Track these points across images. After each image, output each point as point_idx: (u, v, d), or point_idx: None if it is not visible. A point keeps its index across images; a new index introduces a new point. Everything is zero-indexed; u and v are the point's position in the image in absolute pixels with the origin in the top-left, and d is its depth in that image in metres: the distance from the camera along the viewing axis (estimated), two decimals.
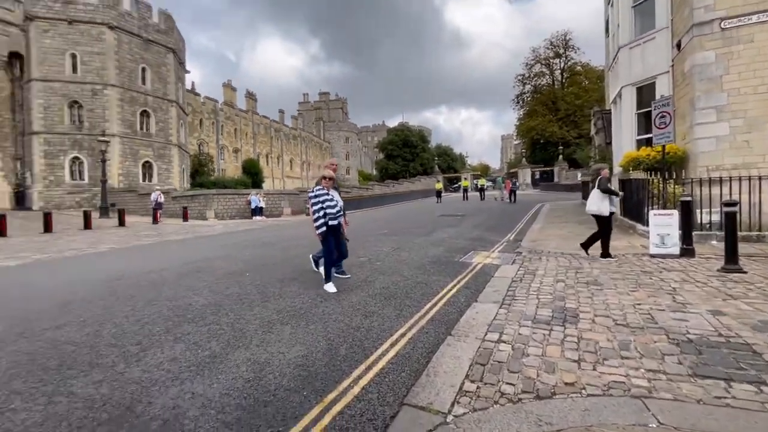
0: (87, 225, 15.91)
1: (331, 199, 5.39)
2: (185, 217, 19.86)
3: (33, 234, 14.50)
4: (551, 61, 50.56)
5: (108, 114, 26.19)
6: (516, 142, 78.78)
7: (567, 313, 4.21)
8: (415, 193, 40.62)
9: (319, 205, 5.31)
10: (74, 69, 25.54)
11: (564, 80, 50.44)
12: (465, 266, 6.92)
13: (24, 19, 24.96)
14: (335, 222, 5.38)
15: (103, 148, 21.18)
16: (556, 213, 16.05)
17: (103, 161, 21.31)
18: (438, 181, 32.67)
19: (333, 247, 5.47)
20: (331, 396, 2.82)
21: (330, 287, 5.40)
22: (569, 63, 50.00)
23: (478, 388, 2.82)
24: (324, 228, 5.29)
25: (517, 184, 25.21)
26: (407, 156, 59.51)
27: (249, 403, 2.75)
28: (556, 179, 43.50)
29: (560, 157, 43.97)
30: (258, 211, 21.22)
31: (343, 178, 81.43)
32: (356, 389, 2.91)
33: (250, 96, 56.81)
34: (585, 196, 20.26)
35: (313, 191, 5.44)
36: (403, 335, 3.88)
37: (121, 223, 17.39)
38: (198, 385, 2.98)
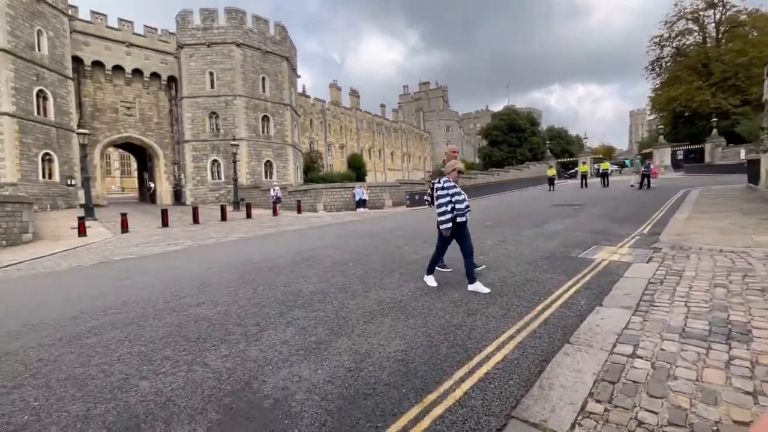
0: (223, 217, 18.73)
1: (460, 193, 4.92)
2: (299, 210, 21.91)
3: (186, 225, 17.65)
4: (701, 14, 40.66)
5: (237, 121, 30.35)
6: (650, 117, 66.88)
7: (732, 328, 3.29)
8: (524, 181, 37.76)
9: (447, 198, 4.82)
10: (212, 85, 30.17)
11: (720, 36, 40.35)
12: (584, 263, 6.05)
13: (177, 48, 30.34)
14: (463, 218, 4.94)
15: (234, 151, 24.62)
16: (710, 200, 13.10)
17: (234, 162, 24.77)
18: (550, 167, 29.71)
19: (447, 246, 5.21)
20: (431, 397, 2.67)
21: (431, 281, 5.23)
22: (728, 12, 39.74)
23: (606, 410, 2.35)
24: (450, 224, 4.82)
25: (651, 166, 21.34)
26: (513, 141, 55.50)
27: (350, 393, 2.76)
28: (707, 159, 35.52)
29: (714, 131, 35.57)
30: (361, 203, 22.22)
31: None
32: (458, 393, 2.69)
33: (354, 94, 59.77)
34: (752, 178, 16.17)
35: (440, 182, 4.97)
36: (510, 338, 3.50)
37: (248, 215, 20.02)
38: (305, 369, 3.12)
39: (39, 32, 23.09)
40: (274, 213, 21.01)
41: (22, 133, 21.59)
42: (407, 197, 23.17)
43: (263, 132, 31.98)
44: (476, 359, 3.14)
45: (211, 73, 30.14)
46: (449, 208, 4.82)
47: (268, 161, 32.30)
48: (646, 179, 20.19)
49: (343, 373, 3.03)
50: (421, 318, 4.08)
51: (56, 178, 23.86)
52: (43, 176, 23.00)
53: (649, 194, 17.99)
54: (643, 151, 43.51)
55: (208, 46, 29.86)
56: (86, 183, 19.24)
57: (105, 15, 27.77)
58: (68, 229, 15.97)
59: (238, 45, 30.06)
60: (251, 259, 8.08)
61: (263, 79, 31.82)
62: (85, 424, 2.55)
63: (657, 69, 44.60)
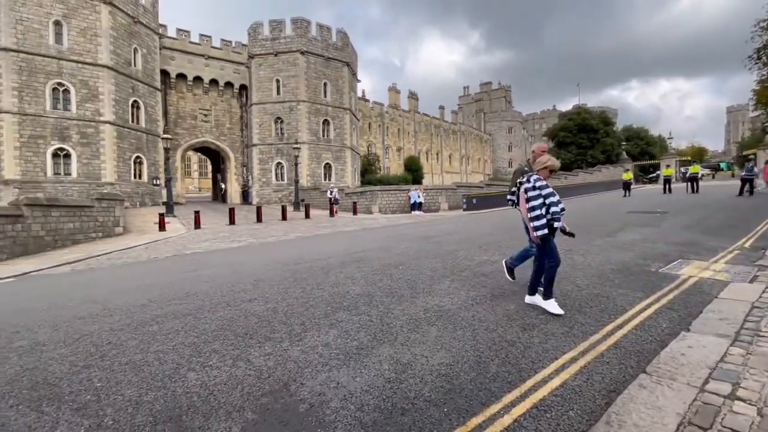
0: (283, 217, 19.65)
1: (554, 194, 4.21)
2: (355, 211, 22.27)
3: (250, 223, 18.77)
4: None
5: (299, 125, 31.80)
6: (754, 114, 58.07)
7: None
8: (595, 185, 34.86)
9: (540, 200, 4.13)
10: (278, 91, 31.96)
11: None
12: (666, 279, 5.28)
13: (248, 58, 32.64)
14: (560, 223, 4.20)
15: (296, 154, 25.77)
16: None
17: (296, 165, 25.92)
18: (626, 171, 26.96)
19: (557, 252, 4.23)
20: (475, 421, 2.40)
21: (553, 306, 4.15)
22: None
23: None
24: (546, 230, 4.09)
25: (755, 169, 18.46)
26: (584, 143, 51.38)
27: (387, 406, 2.59)
28: None
29: None
30: (417, 206, 21.98)
31: (505, 171, 77.22)
32: (507, 419, 2.40)
33: (412, 96, 59.77)
34: None
35: (529, 181, 4.27)
36: (572, 360, 3.09)
37: (307, 215, 20.79)
38: (343, 375, 3.01)
39: (135, 50, 26.20)
40: (331, 214, 21.58)
41: (119, 139, 24.61)
42: (464, 201, 22.49)
43: (323, 135, 33.15)
44: (530, 382, 2.80)
45: (278, 81, 31.94)
46: (543, 211, 4.12)
47: (327, 164, 33.39)
48: (747, 185, 17.50)
49: (382, 384, 2.86)
50: (470, 330, 3.78)
51: (144, 178, 26.83)
52: (134, 177, 25.99)
53: (751, 201, 15.56)
54: (745, 153, 37.93)
55: (276, 55, 31.70)
56: (168, 183, 21.33)
57: (188, 31, 30.76)
58: (152, 224, 17.77)
59: (302, 53, 31.52)
60: (304, 257, 8.26)
61: (325, 84, 33.00)
62: (135, 409, 2.66)
63: (764, 57, 38.48)
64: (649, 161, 55.69)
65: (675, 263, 6.09)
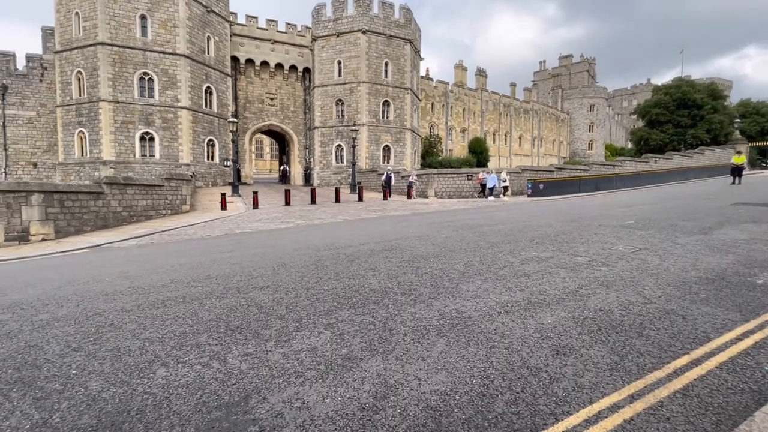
0: (337, 199, 19.72)
1: None
2: (409, 195, 21.62)
3: (304, 204, 19.14)
4: None
5: (359, 107, 31.59)
6: None
7: None
8: (694, 170, 29.98)
9: None
10: (339, 73, 31.95)
11: None
12: None
13: (311, 41, 32.98)
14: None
15: (353, 136, 25.66)
16: None
17: (353, 147, 25.85)
18: (738, 153, 22.52)
19: None
20: None
21: None
22: None
23: None
24: None
25: None
26: (683, 121, 43.97)
27: None
28: None
29: None
30: (492, 191, 20.47)
31: (584, 154, 70.23)
32: None
33: (480, 73, 56.28)
34: None
35: None
36: (613, 409, 2.26)
37: (360, 198, 20.65)
38: (314, 393, 2.53)
39: (208, 38, 27.80)
40: (384, 197, 21.19)
41: (194, 123, 26.58)
42: (529, 186, 20.61)
43: (383, 117, 32.62)
44: None
45: (339, 62, 31.89)
46: None
47: (386, 146, 32.94)
48: None
49: (354, 411, 2.33)
50: (486, 347, 3.06)
51: (216, 159, 28.83)
52: (207, 158, 28.02)
53: None
54: None
55: (338, 36, 31.57)
56: (234, 164, 22.56)
57: (256, 17, 31.82)
58: (217, 203, 18.95)
59: (363, 32, 30.96)
60: (337, 243, 7.93)
61: (386, 64, 32.22)
62: (87, 407, 2.46)
63: None
64: None
65: None
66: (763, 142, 45.62)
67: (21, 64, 27.28)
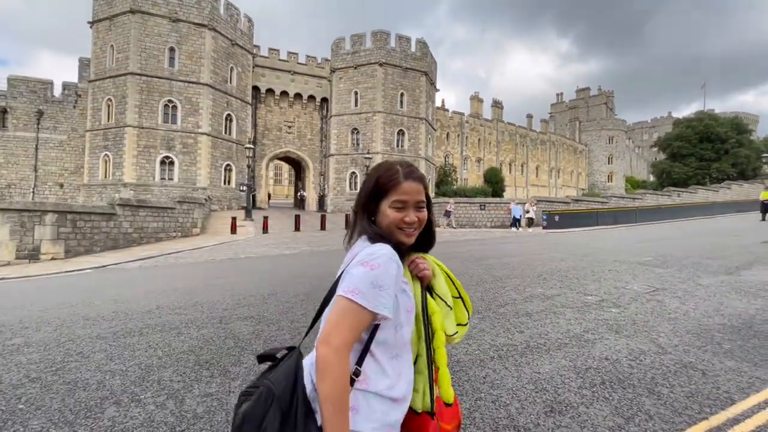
0: (347, 226, 19.60)
1: None
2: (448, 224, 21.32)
3: (314, 230, 19.09)
4: None
5: (375, 136, 32.07)
6: None
7: None
8: (720, 205, 28.80)
9: None
10: (356, 103, 32.74)
11: None
12: None
13: (330, 72, 34.15)
14: None
15: (367, 164, 25.89)
16: None
17: (368, 175, 26.02)
18: (767, 188, 21.55)
19: None
20: None
21: None
22: None
23: None
24: None
25: None
26: (707, 154, 42.83)
27: None
28: None
29: None
30: (518, 222, 19.90)
31: (603, 186, 68.95)
32: None
33: (497, 105, 56.86)
34: None
35: None
36: None
37: None
38: None
39: (231, 68, 29.13)
40: None
41: (213, 148, 27.41)
42: (544, 217, 20.07)
43: (397, 146, 32.96)
44: None
45: (356, 93, 32.74)
46: None
47: None
48: None
49: None
50: (470, 399, 2.71)
51: (233, 184, 29.43)
52: (224, 183, 28.65)
53: None
54: None
55: (355, 68, 32.60)
56: (248, 189, 22.93)
57: (278, 50, 33.34)
58: (229, 226, 19.11)
59: (380, 65, 31.90)
60: (337, 272, 7.68)
61: (401, 94, 32.89)
62: None
63: None
64: None
65: None
66: None
67: (57, 91, 29.06)
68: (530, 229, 19.60)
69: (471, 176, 49.17)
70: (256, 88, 32.43)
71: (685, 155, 44.41)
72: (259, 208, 31.09)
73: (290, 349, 1.08)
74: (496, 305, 4.97)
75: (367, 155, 26.21)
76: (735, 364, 3.20)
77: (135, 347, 3.76)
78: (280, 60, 33.41)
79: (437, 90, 38.22)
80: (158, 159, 25.74)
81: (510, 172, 55.21)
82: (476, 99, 53.85)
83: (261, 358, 1.09)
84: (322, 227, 19.17)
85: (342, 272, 1.06)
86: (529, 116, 62.49)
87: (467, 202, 22.65)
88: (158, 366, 3.33)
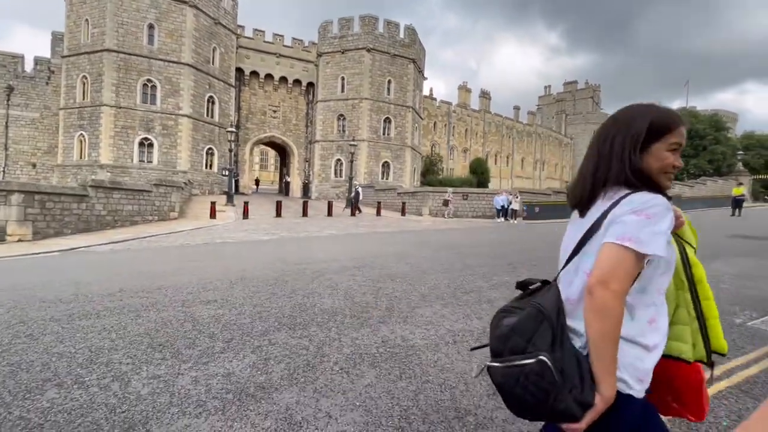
0: (329, 213, 19.52)
1: None
2: (403, 212, 21.41)
3: (295, 217, 18.94)
4: None
5: (360, 123, 31.77)
6: None
7: None
8: (694, 201, 29.71)
9: None
10: (342, 89, 32.29)
11: None
12: (756, 338, 3.64)
13: (317, 56, 33.48)
14: None
15: (352, 151, 25.67)
16: None
17: (351, 162, 25.83)
18: (739, 185, 22.22)
19: None
20: None
21: None
22: None
23: None
24: None
25: None
26: (686, 151, 43.99)
27: None
28: None
29: None
30: (505, 212, 19.43)
31: None
32: None
33: (484, 95, 56.85)
34: None
35: None
36: None
37: (352, 213, 20.45)
38: (206, 426, 2.23)
39: (214, 49, 28.29)
40: (352, 213, 20.79)
41: (194, 131, 26.76)
42: (524, 208, 20.34)
43: (384, 134, 32.75)
44: None
45: (343, 78, 32.26)
46: None
47: (385, 162, 32.94)
48: None
49: None
50: (418, 382, 2.75)
51: (215, 168, 28.88)
52: (206, 167, 28.09)
53: None
54: None
55: (342, 53, 32.04)
56: (230, 174, 22.51)
57: (263, 31, 32.47)
58: (209, 211, 18.79)
59: (368, 50, 31.41)
60: (311, 258, 7.67)
61: (389, 81, 32.55)
62: None
63: None
64: None
65: None
66: (767, 174, 45.33)
67: (29, 66, 27.77)
68: (512, 221, 19.84)
69: (457, 166, 49.35)
70: (239, 70, 31.62)
71: None
72: (243, 194, 30.62)
73: (544, 282, 1.17)
74: (461, 292, 5.04)
75: (352, 142, 25.98)
76: None
77: (88, 330, 3.68)
78: (265, 42, 32.56)
79: (425, 78, 37.95)
80: (137, 140, 25.01)
81: (495, 164, 55.60)
82: (464, 89, 53.70)
83: (519, 285, 1.23)
84: (304, 213, 19.03)
85: (601, 219, 1.04)
86: (516, 108, 62.76)
87: (451, 192, 22.72)
88: (109, 348, 3.28)
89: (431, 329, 3.75)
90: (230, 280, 5.64)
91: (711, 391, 2.67)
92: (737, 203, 20.29)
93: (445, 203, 21.44)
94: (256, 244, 10.52)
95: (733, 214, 20.01)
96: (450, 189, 23.04)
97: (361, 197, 22.35)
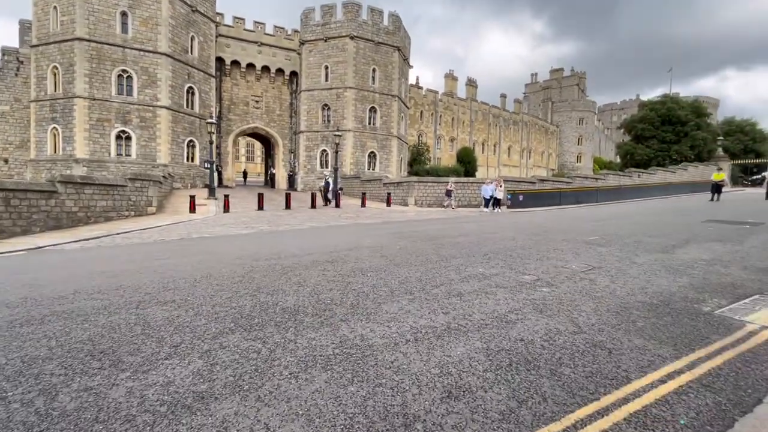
0: (312, 205, 19.25)
1: None
2: (388, 203, 21.23)
3: (278, 209, 18.63)
4: None
5: (345, 112, 31.28)
6: None
7: None
8: (676, 186, 30.17)
9: None
10: (326, 78, 31.67)
11: None
12: (722, 328, 3.58)
13: (299, 44, 32.70)
14: None
15: (337, 142, 25.27)
16: None
17: (337, 152, 25.46)
18: (719, 170, 22.45)
19: None
20: None
21: None
22: None
23: None
24: None
25: None
26: (668, 137, 44.43)
27: None
28: None
29: None
30: (493, 202, 18.85)
31: (572, 166, 70.75)
32: None
33: (471, 83, 56.53)
34: None
35: None
36: None
37: (337, 204, 20.20)
38: None
39: (192, 38, 27.38)
40: (325, 203, 20.56)
41: (174, 123, 26.02)
42: (509, 197, 20.33)
43: (369, 123, 32.34)
44: None
45: (326, 67, 31.62)
46: None
47: (372, 152, 32.61)
48: None
49: None
50: (370, 385, 2.61)
51: (197, 161, 28.22)
52: (187, 159, 27.43)
53: None
54: None
55: (325, 40, 31.34)
56: (211, 167, 21.99)
57: (243, 19, 31.52)
58: (188, 205, 18.34)
59: (351, 38, 30.77)
60: (284, 252, 7.46)
61: (373, 70, 32.02)
62: None
63: None
64: (755, 160, 47.17)
65: (746, 301, 4.25)
66: (746, 159, 46.26)
67: None
68: (497, 209, 19.70)
69: (444, 156, 49.21)
70: (220, 60, 30.75)
71: (648, 137, 45.91)
72: (227, 186, 30.08)
73: None
74: (430, 285, 4.91)
75: (337, 133, 25.56)
76: (642, 343, 3.24)
77: (27, 337, 3.45)
78: (245, 30, 31.66)
79: (411, 67, 37.46)
80: (113, 133, 24.22)
81: (483, 152, 55.61)
82: (451, 77, 53.30)
83: None
84: (287, 206, 18.73)
85: None
86: (503, 96, 62.64)
87: (435, 182, 22.60)
88: (45, 358, 3.06)
89: (393, 326, 3.61)
90: (195, 278, 5.42)
91: (670, 385, 2.59)
92: (717, 188, 20.58)
93: (448, 194, 20.71)
94: (231, 239, 10.26)
95: (712, 199, 20.31)
96: (452, 178, 22.60)
97: (331, 187, 21.89)
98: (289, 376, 2.76)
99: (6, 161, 26.66)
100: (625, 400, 2.44)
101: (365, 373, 2.79)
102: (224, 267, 6.14)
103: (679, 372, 2.77)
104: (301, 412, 2.33)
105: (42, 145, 24.45)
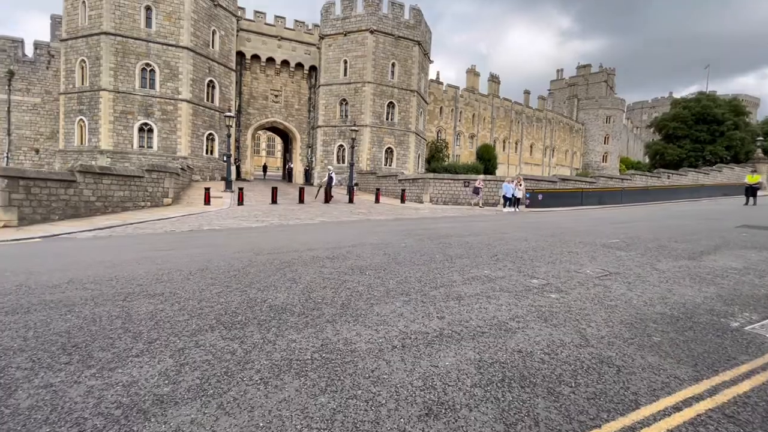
0: (326, 200, 19.15)
1: None
2: (402, 199, 20.92)
3: (291, 203, 18.63)
4: None
5: (363, 107, 31.04)
6: None
7: None
8: (709, 188, 28.57)
9: None
10: (345, 72, 31.48)
11: None
12: (752, 347, 3.17)
13: (319, 39, 32.63)
14: None
15: (353, 137, 25.09)
16: None
17: (352, 147, 25.30)
18: (753, 172, 21.02)
19: None
20: None
21: None
22: None
23: None
24: None
25: None
26: (702, 136, 42.04)
27: None
28: None
29: None
30: (512, 202, 18.27)
31: (598, 166, 68.36)
32: None
33: (493, 79, 55.26)
34: None
35: None
36: None
37: (350, 200, 20.05)
38: None
39: (213, 32, 27.69)
40: (326, 199, 20.21)
41: (194, 116, 26.43)
42: (527, 195, 19.68)
43: (387, 119, 32.01)
44: None
45: (345, 61, 31.44)
46: None
47: (389, 148, 32.29)
48: None
49: None
50: (343, 397, 2.37)
51: (216, 154, 28.63)
52: (206, 152, 27.86)
53: None
54: None
55: (345, 35, 31.14)
56: (228, 160, 22.21)
57: (264, 13, 31.67)
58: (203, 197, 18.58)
59: (371, 32, 30.45)
60: (287, 247, 7.32)
61: (393, 65, 31.63)
62: None
63: None
64: None
65: None
66: None
67: (29, 50, 27.62)
68: (515, 209, 19.05)
69: (463, 152, 48.38)
70: (240, 54, 31.03)
71: (680, 137, 43.62)
72: (244, 180, 30.44)
73: None
74: (430, 287, 4.63)
75: (354, 128, 25.37)
76: (657, 361, 2.87)
77: (8, 327, 3.38)
78: (266, 24, 31.80)
79: (431, 62, 36.82)
80: (136, 126, 24.81)
81: (504, 150, 54.38)
82: (473, 72, 52.23)
83: None
84: (300, 200, 18.71)
85: None
86: (527, 92, 61.03)
87: (451, 179, 22.11)
88: (17, 350, 2.96)
89: (381, 330, 3.36)
90: (190, 271, 5.32)
91: (685, 414, 2.24)
92: (752, 191, 19.26)
93: (476, 191, 20.08)
94: (239, 232, 10.23)
95: (746, 203, 19.05)
96: (480, 176, 21.96)
97: (334, 182, 21.65)
98: (258, 381, 2.55)
99: (37, 151, 27.77)
100: (631, 429, 2.12)
101: (341, 382, 2.55)
102: (222, 261, 6.03)
103: (698, 398, 2.41)
104: (261, 425, 2.12)
105: (70, 137, 25.30)
